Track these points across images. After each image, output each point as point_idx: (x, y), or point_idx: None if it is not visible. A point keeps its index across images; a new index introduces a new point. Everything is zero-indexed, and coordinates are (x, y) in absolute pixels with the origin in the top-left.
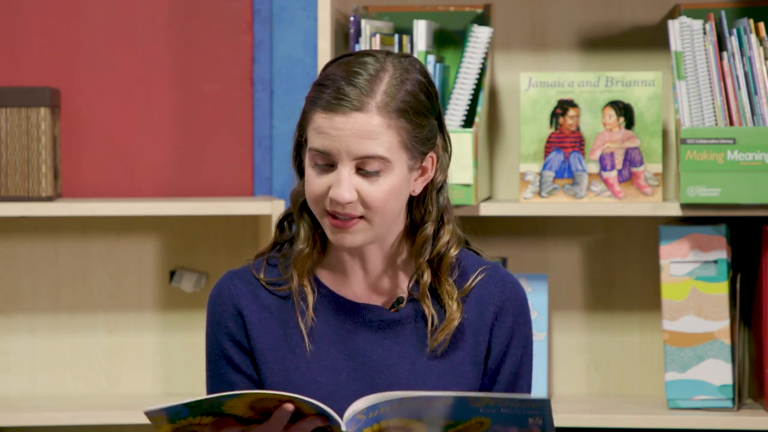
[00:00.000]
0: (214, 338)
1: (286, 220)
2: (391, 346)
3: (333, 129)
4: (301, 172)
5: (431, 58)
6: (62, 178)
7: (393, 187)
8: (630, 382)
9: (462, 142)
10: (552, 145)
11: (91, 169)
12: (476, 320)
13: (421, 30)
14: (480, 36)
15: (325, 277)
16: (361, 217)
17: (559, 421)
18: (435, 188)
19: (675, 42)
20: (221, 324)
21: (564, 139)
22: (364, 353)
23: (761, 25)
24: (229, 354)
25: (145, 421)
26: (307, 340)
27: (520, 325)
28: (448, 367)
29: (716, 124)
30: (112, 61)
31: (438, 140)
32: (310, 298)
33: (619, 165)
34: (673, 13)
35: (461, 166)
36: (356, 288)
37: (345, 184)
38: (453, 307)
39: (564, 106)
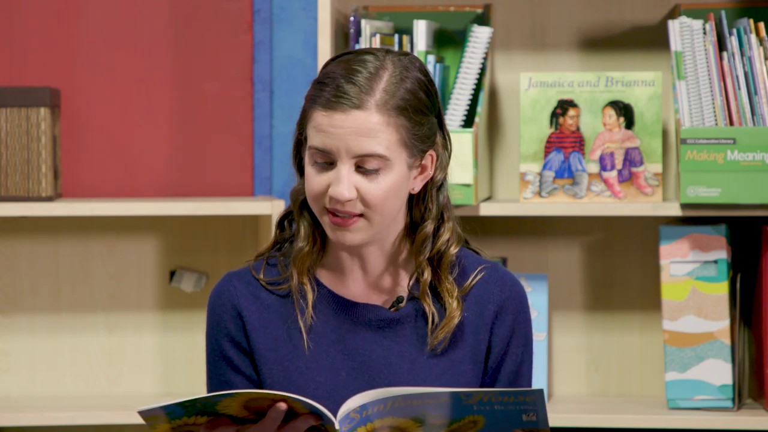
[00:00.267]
0: (213, 340)
1: (286, 218)
2: (391, 345)
3: (332, 127)
4: (301, 170)
5: (431, 58)
6: (62, 178)
7: (392, 185)
8: (630, 382)
9: (462, 142)
10: (552, 145)
11: (91, 169)
12: (476, 319)
13: (421, 30)
14: (480, 36)
15: (325, 276)
16: (361, 216)
17: (559, 421)
18: (435, 186)
19: (675, 42)
20: (221, 325)
21: (564, 139)
22: (364, 353)
23: (761, 25)
24: (229, 355)
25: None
26: (306, 338)
27: (520, 323)
28: (448, 366)
29: (716, 124)
30: (112, 61)
31: (438, 138)
32: (310, 296)
33: (619, 165)
34: (673, 13)
35: (461, 166)
36: (355, 288)
37: (344, 182)
38: (453, 305)
39: (564, 106)
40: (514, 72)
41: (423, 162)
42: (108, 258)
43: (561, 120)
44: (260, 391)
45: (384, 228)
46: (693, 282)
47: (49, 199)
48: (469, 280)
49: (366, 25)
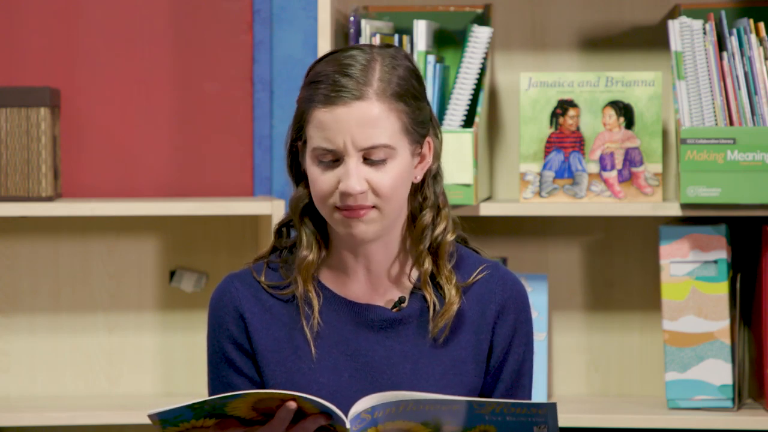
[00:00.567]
0: (215, 341)
1: (284, 226)
2: (393, 345)
3: (336, 121)
4: (297, 178)
5: (431, 58)
6: (62, 178)
7: (400, 173)
8: (630, 382)
9: (462, 142)
10: (552, 145)
11: (91, 169)
12: (478, 319)
13: (421, 30)
14: (480, 36)
15: (327, 277)
16: (373, 207)
17: (559, 421)
18: (431, 175)
19: (675, 42)
20: (223, 327)
21: (564, 139)
22: (367, 353)
23: (761, 25)
24: (231, 357)
25: (145, 421)
26: (312, 345)
27: (521, 323)
28: (450, 366)
29: (716, 124)
30: (112, 61)
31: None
32: (316, 304)
33: (619, 165)
34: (673, 13)
35: (461, 166)
36: (358, 288)
37: (354, 175)
38: (452, 292)
39: (564, 106)
40: (514, 72)
41: (422, 150)
42: (108, 258)
43: (561, 120)
44: (270, 391)
45: (392, 220)
46: (693, 282)
47: (49, 199)
48: (472, 277)
49: (366, 25)
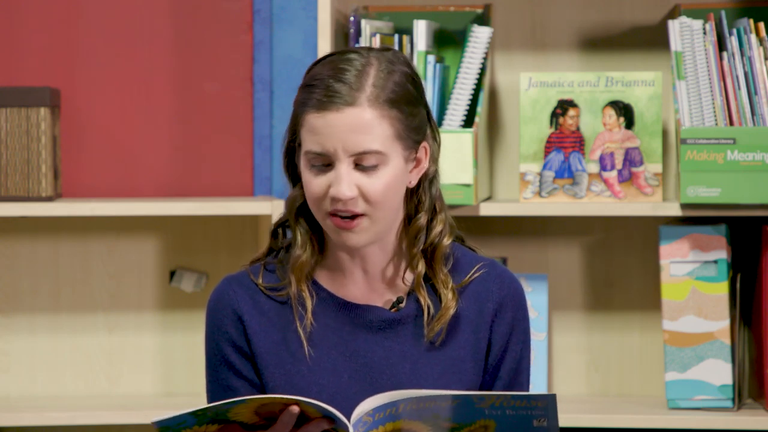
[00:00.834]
0: (214, 344)
1: (280, 227)
2: (392, 345)
3: (327, 127)
4: (293, 178)
5: (431, 58)
6: (62, 178)
7: (391, 179)
8: (630, 382)
9: (462, 142)
10: (552, 145)
11: (91, 169)
12: (475, 317)
13: (421, 30)
14: (480, 36)
15: (324, 278)
16: (363, 215)
17: (559, 421)
18: (427, 179)
19: (675, 42)
20: (221, 329)
21: (564, 139)
22: (365, 354)
23: (761, 25)
24: (230, 359)
25: (145, 421)
26: (306, 345)
27: (519, 320)
28: (449, 365)
29: (716, 124)
30: (112, 61)
31: (427, 130)
32: (309, 304)
33: (619, 165)
34: (673, 13)
35: (461, 166)
36: (355, 289)
37: (344, 181)
38: (448, 296)
39: (564, 106)
40: (514, 72)
41: (417, 155)
42: (108, 258)
43: (561, 120)
44: (272, 396)
45: (386, 226)
46: (693, 282)
47: (49, 199)
48: (468, 275)
49: (366, 25)
